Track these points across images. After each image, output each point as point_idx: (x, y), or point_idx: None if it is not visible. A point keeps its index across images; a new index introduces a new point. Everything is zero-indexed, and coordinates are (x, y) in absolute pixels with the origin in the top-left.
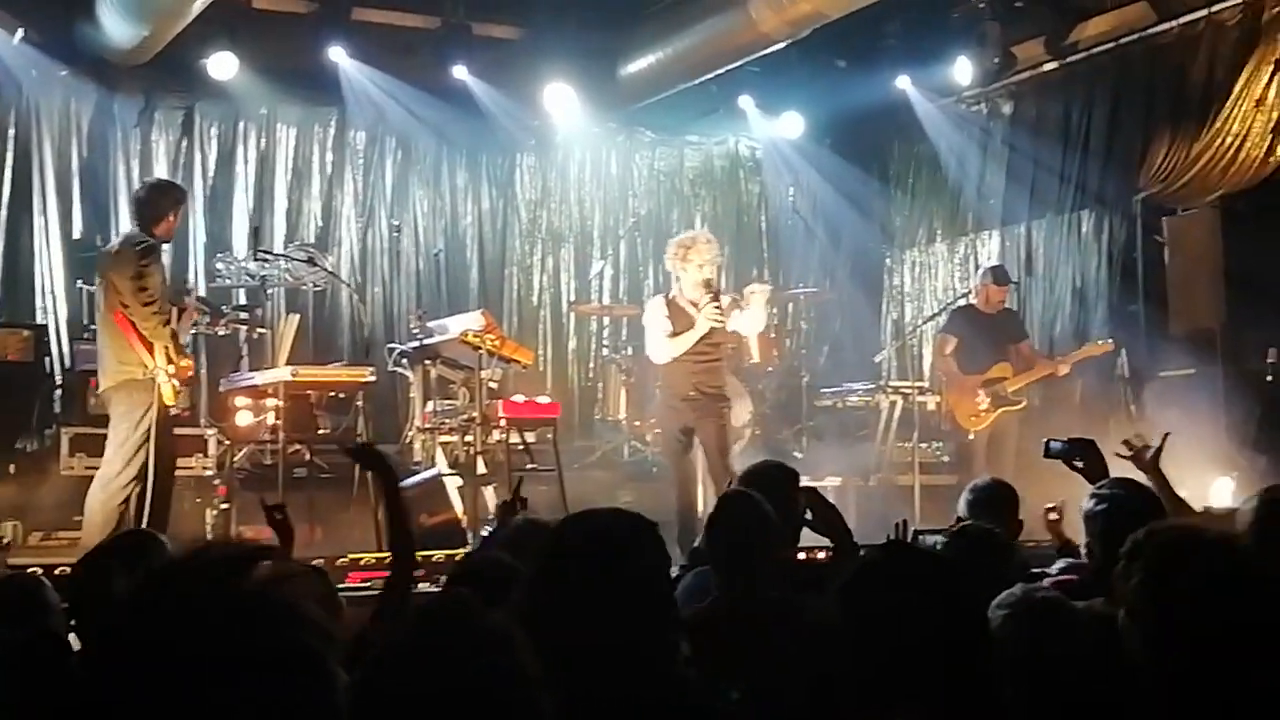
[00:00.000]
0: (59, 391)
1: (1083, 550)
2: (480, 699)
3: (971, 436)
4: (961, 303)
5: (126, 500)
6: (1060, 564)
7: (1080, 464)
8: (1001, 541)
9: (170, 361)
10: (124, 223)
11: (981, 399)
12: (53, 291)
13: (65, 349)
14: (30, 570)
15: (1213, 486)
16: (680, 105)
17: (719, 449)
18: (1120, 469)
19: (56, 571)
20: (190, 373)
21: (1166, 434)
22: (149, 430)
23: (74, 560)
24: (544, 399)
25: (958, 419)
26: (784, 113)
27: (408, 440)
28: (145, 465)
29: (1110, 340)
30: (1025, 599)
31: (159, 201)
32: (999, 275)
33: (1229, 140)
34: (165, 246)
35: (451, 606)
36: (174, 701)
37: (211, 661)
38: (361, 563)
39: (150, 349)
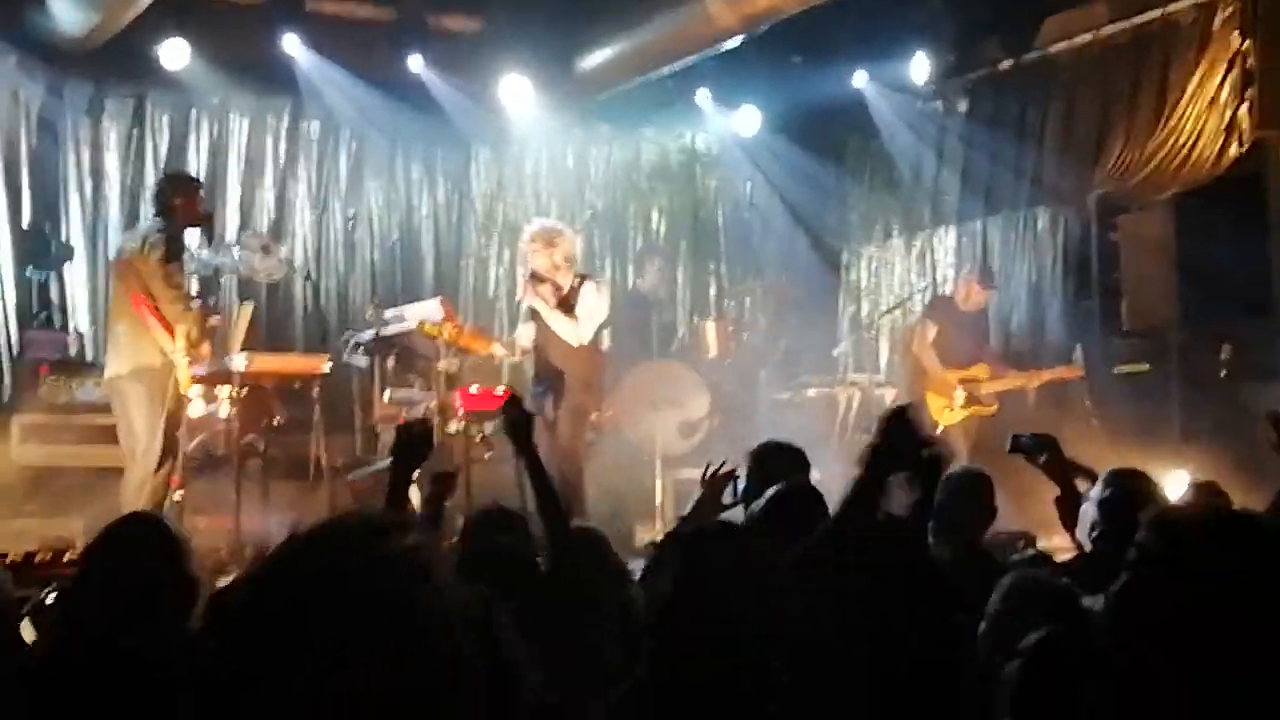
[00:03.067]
0: (8, 380)
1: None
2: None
3: (940, 430)
4: (943, 292)
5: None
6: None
7: (1044, 459)
8: None
9: (193, 346)
10: (74, 211)
11: (958, 395)
12: (1, 280)
13: (14, 338)
14: None
15: (1167, 481)
16: (637, 99)
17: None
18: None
19: (7, 560)
20: (208, 358)
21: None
22: (164, 413)
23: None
24: (500, 390)
25: (929, 410)
26: (741, 107)
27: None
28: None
29: (1082, 365)
30: None
31: (165, 191)
32: (986, 276)
33: (1183, 138)
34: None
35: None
36: (310, 660)
37: (349, 622)
38: None
39: (171, 333)
